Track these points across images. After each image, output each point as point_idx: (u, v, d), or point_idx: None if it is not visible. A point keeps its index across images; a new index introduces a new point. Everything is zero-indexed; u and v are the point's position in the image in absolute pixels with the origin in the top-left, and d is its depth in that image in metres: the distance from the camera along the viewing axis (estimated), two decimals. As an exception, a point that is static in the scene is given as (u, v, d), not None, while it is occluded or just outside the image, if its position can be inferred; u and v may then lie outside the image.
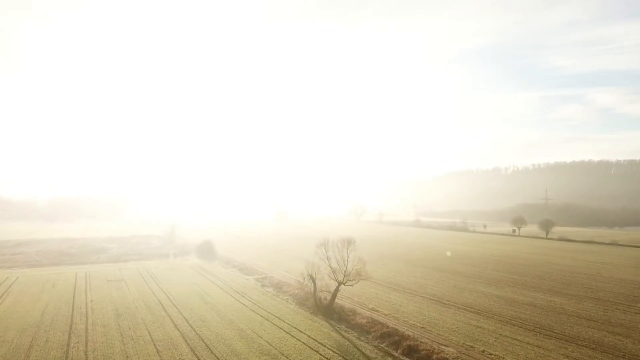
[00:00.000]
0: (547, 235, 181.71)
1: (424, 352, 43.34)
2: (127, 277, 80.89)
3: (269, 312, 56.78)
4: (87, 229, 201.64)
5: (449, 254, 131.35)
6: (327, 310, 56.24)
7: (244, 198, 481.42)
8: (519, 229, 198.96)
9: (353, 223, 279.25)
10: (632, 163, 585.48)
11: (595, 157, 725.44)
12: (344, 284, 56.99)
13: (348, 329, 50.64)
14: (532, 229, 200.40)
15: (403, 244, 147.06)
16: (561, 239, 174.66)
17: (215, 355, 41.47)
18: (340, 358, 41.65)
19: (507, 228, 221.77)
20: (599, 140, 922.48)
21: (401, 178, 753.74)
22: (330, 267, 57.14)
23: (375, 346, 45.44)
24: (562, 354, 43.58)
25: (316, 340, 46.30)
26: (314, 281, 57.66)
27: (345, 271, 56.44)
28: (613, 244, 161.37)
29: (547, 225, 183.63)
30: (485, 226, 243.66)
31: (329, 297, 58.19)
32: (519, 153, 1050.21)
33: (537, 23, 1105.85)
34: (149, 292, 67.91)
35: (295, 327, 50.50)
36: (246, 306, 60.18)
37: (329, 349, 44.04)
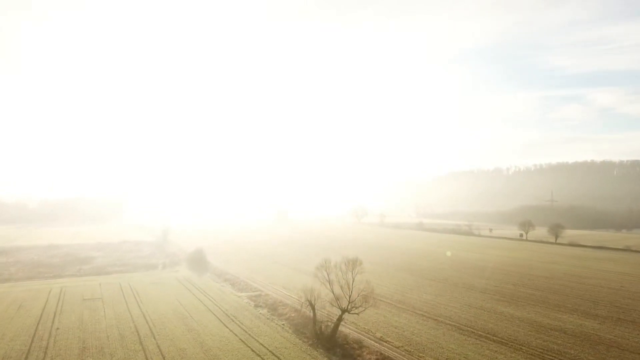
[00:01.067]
0: (556, 240, 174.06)
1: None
2: (105, 295, 72.84)
3: (261, 344, 48.81)
4: (77, 233, 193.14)
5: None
6: (329, 341, 48.30)
7: (243, 198, 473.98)
8: (527, 232, 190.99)
9: (354, 225, 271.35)
10: (634, 163, 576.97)
11: (596, 157, 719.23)
12: (349, 312, 49.06)
13: (354, 369, 42.79)
14: (540, 232, 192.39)
15: (408, 251, 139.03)
16: (571, 244, 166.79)
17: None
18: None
19: (514, 231, 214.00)
20: (599, 140, 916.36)
21: (401, 178, 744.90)
22: (333, 292, 49.04)
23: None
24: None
25: (316, 387, 38.46)
26: (313, 309, 49.69)
27: (349, 297, 48.47)
28: (626, 249, 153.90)
29: (556, 229, 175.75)
30: (491, 230, 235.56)
31: (330, 325, 50.34)
32: (519, 153, 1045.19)
33: (537, 23, 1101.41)
34: (127, 316, 59.89)
35: (291, 367, 42.63)
36: (236, 335, 52.23)
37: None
